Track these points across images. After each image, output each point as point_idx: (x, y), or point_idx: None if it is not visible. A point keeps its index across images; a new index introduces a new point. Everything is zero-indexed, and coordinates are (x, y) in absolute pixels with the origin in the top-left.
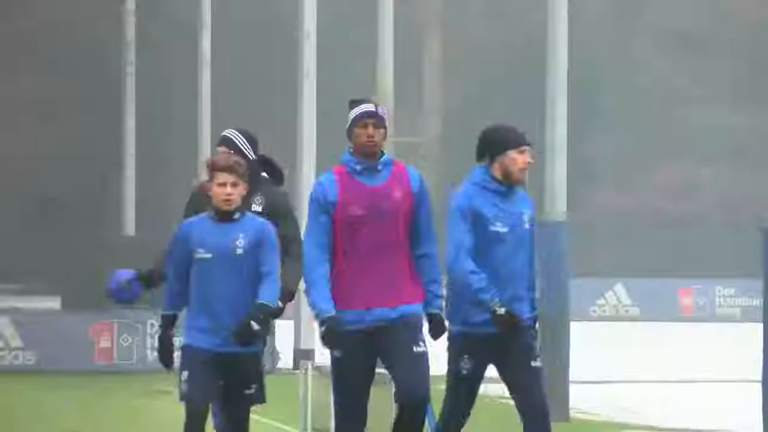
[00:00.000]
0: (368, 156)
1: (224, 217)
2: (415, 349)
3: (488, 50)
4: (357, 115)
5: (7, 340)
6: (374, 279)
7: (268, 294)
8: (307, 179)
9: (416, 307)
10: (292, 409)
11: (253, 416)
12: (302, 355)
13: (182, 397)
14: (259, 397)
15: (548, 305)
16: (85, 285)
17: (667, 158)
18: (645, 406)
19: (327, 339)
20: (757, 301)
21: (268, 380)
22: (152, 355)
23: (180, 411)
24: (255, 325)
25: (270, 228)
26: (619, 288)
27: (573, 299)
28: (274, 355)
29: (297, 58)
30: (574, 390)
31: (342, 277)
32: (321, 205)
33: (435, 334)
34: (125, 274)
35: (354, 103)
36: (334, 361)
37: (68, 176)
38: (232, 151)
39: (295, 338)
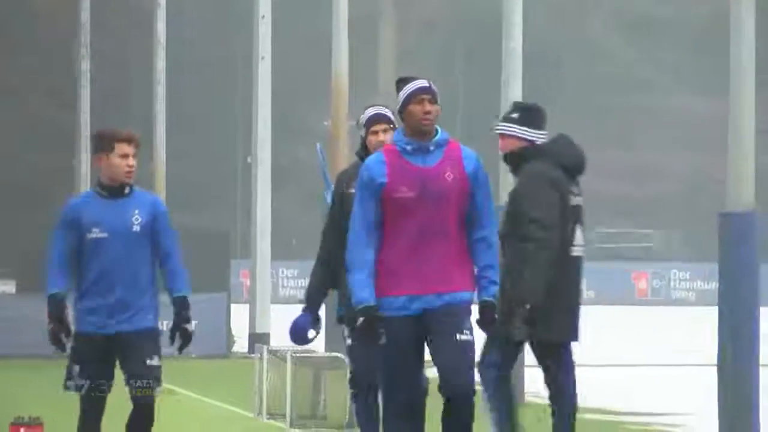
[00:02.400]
0: (424, 134)
1: (116, 192)
2: (458, 337)
3: (443, 34)
4: (412, 91)
5: None
6: (422, 265)
7: (183, 282)
8: (262, 164)
9: (464, 295)
10: (247, 394)
11: (207, 400)
12: (257, 339)
13: (77, 389)
14: (158, 381)
15: None
16: (40, 268)
17: (625, 143)
18: (600, 389)
19: (363, 331)
20: (712, 285)
21: (224, 364)
22: None
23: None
24: (190, 327)
25: (163, 204)
26: None
27: None
28: (229, 339)
29: (252, 40)
30: (529, 373)
31: (388, 261)
32: (368, 187)
33: (485, 324)
34: (303, 327)
35: (403, 81)
36: (381, 349)
37: (22, 158)
38: (391, 126)
39: (250, 322)
